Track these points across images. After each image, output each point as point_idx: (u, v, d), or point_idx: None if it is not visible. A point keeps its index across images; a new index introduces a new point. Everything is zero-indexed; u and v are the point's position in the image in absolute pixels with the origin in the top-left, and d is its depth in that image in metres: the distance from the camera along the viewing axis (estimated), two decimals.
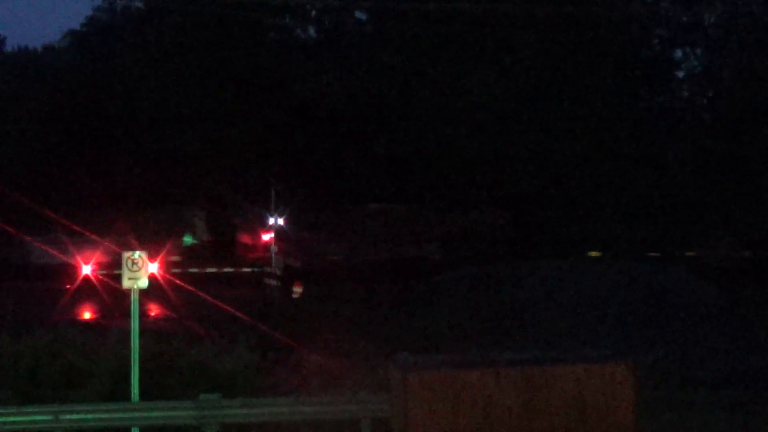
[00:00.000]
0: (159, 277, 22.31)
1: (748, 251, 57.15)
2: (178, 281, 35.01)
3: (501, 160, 57.96)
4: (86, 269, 30.20)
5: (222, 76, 60.83)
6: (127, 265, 20.19)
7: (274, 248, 52.28)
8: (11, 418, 19.68)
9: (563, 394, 17.52)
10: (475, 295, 39.74)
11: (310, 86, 60.89)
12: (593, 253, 56.82)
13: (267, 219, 54.51)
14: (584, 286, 39.99)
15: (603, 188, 57.96)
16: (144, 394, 20.34)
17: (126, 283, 20.23)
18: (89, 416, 19.86)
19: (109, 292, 38.99)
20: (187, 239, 54.83)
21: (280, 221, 54.64)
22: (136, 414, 19.91)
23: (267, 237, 54.04)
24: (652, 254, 54.88)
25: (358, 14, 66.96)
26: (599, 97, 59.36)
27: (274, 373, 25.35)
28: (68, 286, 40.92)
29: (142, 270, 20.19)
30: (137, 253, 20.31)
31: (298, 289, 48.14)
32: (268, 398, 20.89)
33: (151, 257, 20.66)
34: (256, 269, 52.17)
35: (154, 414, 19.90)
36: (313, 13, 66.82)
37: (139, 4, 68.44)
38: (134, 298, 20.40)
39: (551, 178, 57.64)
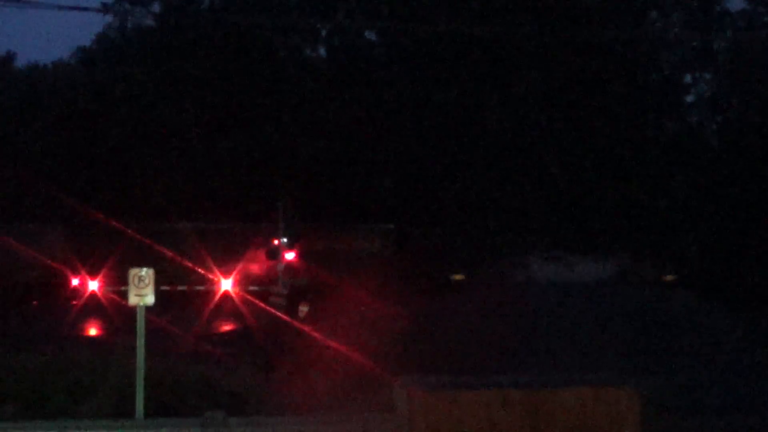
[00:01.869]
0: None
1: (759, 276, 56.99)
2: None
3: (508, 183, 58.02)
4: (92, 285, 30.34)
5: (231, 95, 61.01)
6: (133, 281, 20.22)
7: (280, 266, 52.24)
8: None
9: (568, 417, 17.55)
10: (482, 316, 39.68)
11: (320, 105, 61.02)
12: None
13: (275, 237, 54.43)
14: (590, 309, 39.93)
15: (609, 212, 57.94)
16: (149, 412, 20.34)
17: (132, 300, 20.27)
18: None
19: None
20: None
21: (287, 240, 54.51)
22: (141, 431, 19.89)
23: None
24: (659, 278, 54.63)
25: (368, 35, 67.17)
26: (606, 121, 59.38)
27: (279, 391, 25.36)
28: None
29: (149, 287, 20.23)
30: (144, 270, 20.34)
31: (304, 309, 48.13)
32: (273, 417, 20.87)
33: None
34: (261, 288, 52.20)
35: (160, 431, 19.88)
36: (323, 33, 67.01)
37: (150, 22, 68.76)
38: (140, 314, 20.43)
39: (556, 201, 57.67)
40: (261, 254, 53.70)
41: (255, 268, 54.45)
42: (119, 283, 40.60)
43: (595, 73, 59.43)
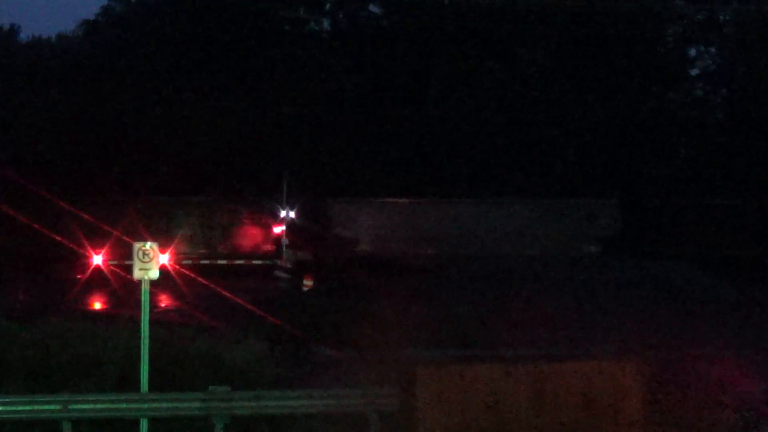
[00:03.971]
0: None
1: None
2: (188, 272, 35.07)
3: (511, 156, 57.95)
4: (97, 259, 30.27)
5: (236, 68, 60.89)
6: (138, 255, 20.20)
7: (285, 241, 52.28)
8: (20, 407, 19.73)
9: (572, 390, 17.54)
10: (485, 290, 39.68)
11: (323, 78, 60.86)
12: None
13: (278, 211, 54.46)
14: (593, 282, 39.93)
15: (612, 184, 57.84)
16: (153, 385, 20.36)
17: (137, 274, 20.26)
18: (98, 406, 19.90)
19: None
20: None
21: (292, 214, 54.53)
22: (145, 405, 19.94)
23: (278, 230, 53.88)
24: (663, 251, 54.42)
25: (372, 8, 66.98)
26: (611, 94, 59.24)
27: (283, 365, 25.34)
28: None
29: (154, 261, 20.20)
30: (148, 244, 20.31)
31: (308, 282, 48.13)
32: (277, 391, 20.90)
33: None
34: (267, 261, 52.29)
35: (163, 405, 19.93)
36: (327, 5, 66.80)
37: None
38: (144, 288, 20.43)
39: (559, 173, 57.62)
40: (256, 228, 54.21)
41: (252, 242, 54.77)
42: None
43: (598, 44, 59.28)
